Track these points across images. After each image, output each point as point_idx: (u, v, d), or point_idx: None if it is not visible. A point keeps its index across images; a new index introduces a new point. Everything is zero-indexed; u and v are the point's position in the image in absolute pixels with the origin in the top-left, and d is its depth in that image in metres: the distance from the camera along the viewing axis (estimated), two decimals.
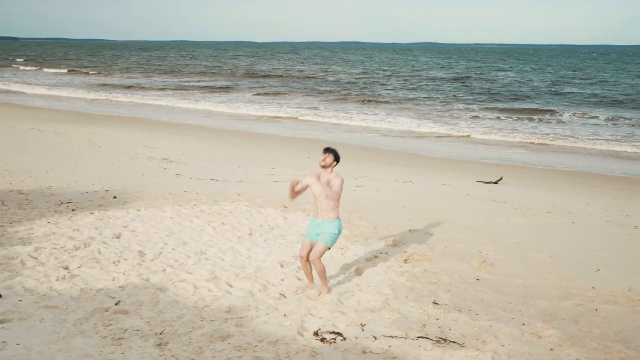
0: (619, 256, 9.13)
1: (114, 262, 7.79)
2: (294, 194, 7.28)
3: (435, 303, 6.91)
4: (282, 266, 8.04)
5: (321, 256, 6.97)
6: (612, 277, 8.11)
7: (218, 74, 71.57)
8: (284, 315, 6.39)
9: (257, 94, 47.25)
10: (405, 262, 8.46)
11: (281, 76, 67.60)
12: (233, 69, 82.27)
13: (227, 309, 6.51)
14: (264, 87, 54.22)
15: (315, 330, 6.07)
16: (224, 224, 9.93)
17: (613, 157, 23.26)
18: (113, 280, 7.19)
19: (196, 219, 10.16)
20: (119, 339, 5.71)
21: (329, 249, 7.10)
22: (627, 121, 32.90)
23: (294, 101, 43.29)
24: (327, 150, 7.17)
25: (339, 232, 7.10)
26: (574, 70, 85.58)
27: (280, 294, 7.02)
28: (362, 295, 7.10)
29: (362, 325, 6.22)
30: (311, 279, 7.24)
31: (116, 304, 6.49)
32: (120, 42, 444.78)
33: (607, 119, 33.84)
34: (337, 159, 7.15)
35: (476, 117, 35.06)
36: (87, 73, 69.33)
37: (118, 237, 8.91)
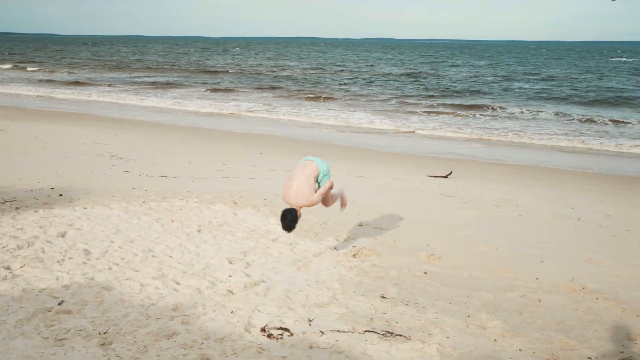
0: (563, 247, 9.33)
1: (58, 262, 7.64)
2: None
3: (383, 297, 6.96)
4: (230, 263, 8.00)
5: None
6: (556, 268, 8.29)
7: (169, 69, 70.70)
8: (231, 312, 6.36)
9: (209, 90, 46.84)
10: (354, 257, 8.50)
11: (232, 72, 67.18)
12: (185, 64, 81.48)
13: (174, 306, 6.45)
14: (216, 82, 53.78)
15: (263, 326, 6.06)
16: (172, 220, 9.84)
17: (560, 151, 23.76)
18: (57, 279, 7.05)
19: (144, 216, 10.04)
20: (62, 339, 5.60)
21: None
22: (575, 116, 33.62)
23: (247, 97, 43.07)
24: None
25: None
26: (525, 66, 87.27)
27: (228, 291, 6.99)
28: (311, 290, 7.12)
29: (310, 321, 6.24)
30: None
31: (59, 304, 6.37)
32: (70, 37, 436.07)
33: (556, 114, 34.54)
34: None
35: (429, 112, 35.42)
36: (32, 69, 67.70)
37: (63, 235, 8.73)
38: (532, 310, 6.75)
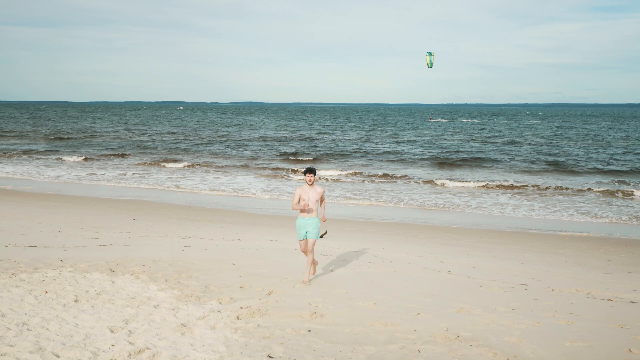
0: (436, 299, 9.81)
1: None
2: (298, 207, 10.61)
3: (270, 357, 7.03)
4: (112, 331, 7.80)
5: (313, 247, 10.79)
6: (431, 319, 8.70)
7: (26, 137, 67.47)
8: None
9: (76, 156, 45.46)
10: (238, 319, 8.53)
11: (94, 136, 65.49)
12: (45, 130, 78.52)
13: None
14: (86, 149, 52.31)
15: None
16: (46, 291, 9.44)
17: (425, 209, 24.94)
18: None
19: (15, 288, 9.57)
20: None
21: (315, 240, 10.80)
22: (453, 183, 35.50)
23: (115, 162, 42.23)
24: (310, 171, 10.69)
25: (318, 226, 10.80)
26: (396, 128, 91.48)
27: None
28: (197, 354, 7.07)
29: None
30: (313, 265, 10.82)
31: None
32: None
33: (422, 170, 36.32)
34: (316, 173, 10.80)
35: (302, 174, 36.20)
36: None
37: None
38: None
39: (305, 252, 10.81)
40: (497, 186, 31.63)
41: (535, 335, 8.03)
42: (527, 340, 7.80)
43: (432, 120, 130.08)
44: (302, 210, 10.64)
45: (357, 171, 37.18)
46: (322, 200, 10.82)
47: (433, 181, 33.26)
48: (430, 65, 18.73)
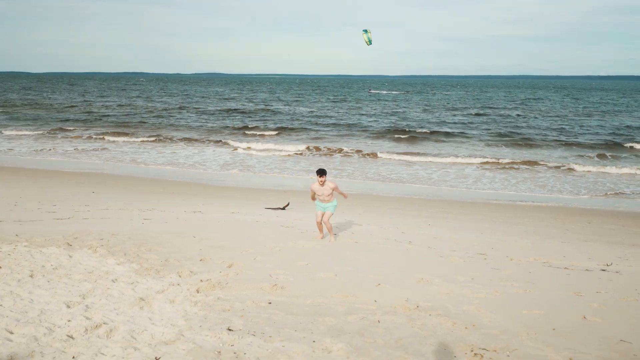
0: (397, 270, 9.86)
1: None
2: (313, 199, 12.33)
3: (230, 329, 6.99)
4: (68, 307, 7.66)
5: (330, 218, 12.30)
6: (392, 289, 8.74)
7: None
8: (73, 357, 6.10)
9: (32, 128, 44.48)
10: (198, 292, 8.46)
11: (54, 109, 64.14)
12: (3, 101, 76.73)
13: (8, 357, 6.08)
14: (45, 119, 51.21)
15: None
16: (0, 267, 9.24)
17: (390, 180, 25.03)
18: None
19: None
20: None
21: (333, 214, 12.35)
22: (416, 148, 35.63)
23: (77, 133, 41.46)
24: (321, 173, 12.04)
25: (336, 205, 12.31)
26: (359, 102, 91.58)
27: (68, 336, 6.68)
28: (156, 328, 6.99)
29: (157, 359, 6.13)
30: (321, 230, 12.41)
31: None
32: None
33: (390, 140, 36.39)
34: (326, 173, 12.14)
35: (268, 145, 36.04)
36: None
37: None
38: (373, 331, 7.08)
39: (319, 223, 12.33)
40: (460, 160, 31.90)
41: (493, 304, 8.13)
42: (486, 309, 7.89)
43: (371, 92, 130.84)
44: (320, 199, 12.26)
45: (317, 146, 37.07)
46: (335, 189, 12.22)
47: (394, 154, 33.39)
48: (369, 42, 18.62)
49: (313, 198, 12.32)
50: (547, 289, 9.00)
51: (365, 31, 19.09)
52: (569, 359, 6.31)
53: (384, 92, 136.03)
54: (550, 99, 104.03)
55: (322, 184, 12.00)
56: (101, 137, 40.05)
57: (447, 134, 43.60)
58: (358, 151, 34.09)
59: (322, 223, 12.29)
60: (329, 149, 35.03)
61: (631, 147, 37.02)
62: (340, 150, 34.39)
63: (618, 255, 12.50)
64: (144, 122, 50.55)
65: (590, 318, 7.61)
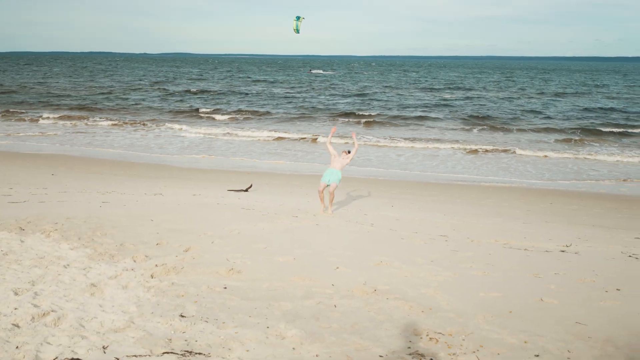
0: (356, 253, 9.76)
1: None
2: (327, 148, 14.03)
3: (182, 316, 6.83)
4: (16, 294, 7.40)
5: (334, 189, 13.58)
6: (350, 273, 8.64)
7: None
8: (16, 347, 5.89)
9: None
10: (152, 277, 8.26)
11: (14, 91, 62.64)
12: None
13: None
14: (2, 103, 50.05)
15: (52, 359, 5.68)
16: None
17: (353, 164, 24.94)
18: None
19: None
20: None
21: (337, 185, 13.63)
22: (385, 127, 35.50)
23: (33, 114, 40.58)
24: (347, 151, 13.85)
25: (341, 178, 13.72)
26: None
27: (13, 325, 6.45)
28: (106, 316, 6.80)
29: (104, 348, 5.95)
30: (323, 200, 13.53)
31: None
32: None
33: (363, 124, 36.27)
34: (350, 152, 13.87)
35: (232, 126, 35.65)
36: None
37: None
38: (329, 315, 6.97)
39: (321, 192, 13.53)
40: (425, 141, 31.94)
41: (451, 286, 8.07)
42: (443, 291, 7.83)
43: (312, 72, 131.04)
44: (332, 164, 13.75)
45: (283, 131, 36.82)
46: (348, 156, 13.79)
47: (360, 136, 33.32)
48: (297, 31, 18.43)
49: (326, 145, 14.55)
50: (506, 271, 8.97)
51: (298, 18, 18.88)
52: (524, 342, 6.28)
53: (328, 72, 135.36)
54: (517, 80, 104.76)
55: (346, 153, 13.74)
56: (65, 118, 39.28)
57: (405, 118, 43.48)
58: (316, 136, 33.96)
59: (326, 193, 13.66)
60: (299, 136, 34.84)
61: (598, 131, 37.30)
62: (302, 139, 34.25)
63: (578, 236, 12.57)
64: (108, 103, 49.73)
65: (547, 300, 7.60)
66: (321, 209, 13.49)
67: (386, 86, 79.54)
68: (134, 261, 9.01)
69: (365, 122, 40.36)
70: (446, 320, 6.86)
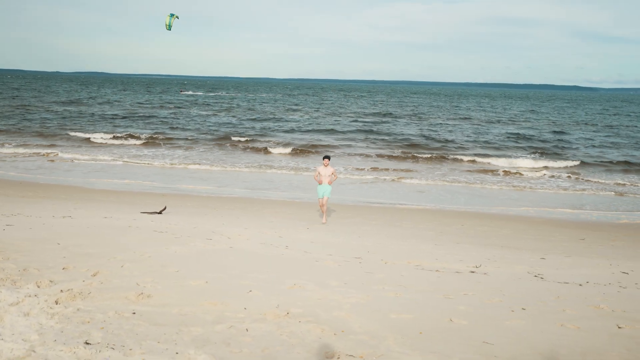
0: (270, 275, 9.69)
1: None
2: (317, 179, 17.09)
3: (87, 343, 6.57)
4: None
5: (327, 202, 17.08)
6: (263, 296, 8.55)
7: None
8: None
9: None
10: (57, 303, 7.93)
11: None
12: None
13: None
14: None
15: None
16: None
17: (267, 181, 24.91)
18: None
19: None
20: None
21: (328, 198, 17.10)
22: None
23: None
24: (327, 157, 17.16)
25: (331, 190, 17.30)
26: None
27: None
28: (5, 345, 6.45)
29: None
30: (325, 212, 16.89)
31: None
32: None
33: (284, 145, 36.30)
34: (330, 158, 17.41)
35: (147, 147, 35.04)
36: None
37: None
38: (240, 340, 6.86)
39: (322, 206, 16.76)
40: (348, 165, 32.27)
41: (363, 308, 8.11)
42: (356, 314, 7.86)
43: (182, 93, 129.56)
44: (320, 181, 16.90)
45: (187, 156, 36.46)
46: (333, 174, 17.07)
47: (282, 155, 33.37)
48: (169, 27, 18.44)
49: (316, 178, 17.09)
50: (417, 292, 9.10)
51: (172, 15, 18.81)
52: None
53: (196, 93, 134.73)
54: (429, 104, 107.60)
55: (327, 165, 16.92)
56: None
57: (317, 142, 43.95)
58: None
59: (324, 207, 16.72)
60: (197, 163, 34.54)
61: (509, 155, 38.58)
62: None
63: (487, 257, 12.91)
64: (27, 124, 48.05)
65: (456, 320, 7.74)
66: (324, 218, 16.74)
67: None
68: (38, 287, 8.63)
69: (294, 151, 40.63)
70: (358, 342, 6.88)
